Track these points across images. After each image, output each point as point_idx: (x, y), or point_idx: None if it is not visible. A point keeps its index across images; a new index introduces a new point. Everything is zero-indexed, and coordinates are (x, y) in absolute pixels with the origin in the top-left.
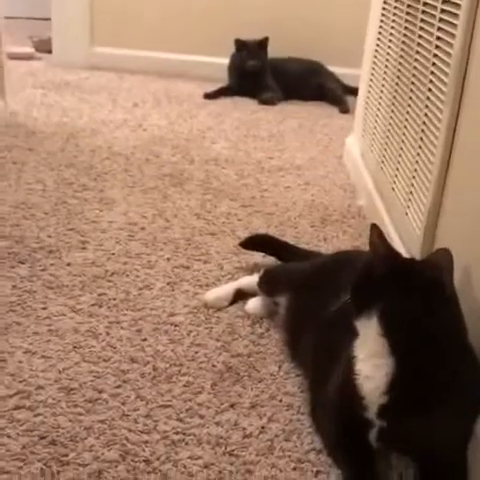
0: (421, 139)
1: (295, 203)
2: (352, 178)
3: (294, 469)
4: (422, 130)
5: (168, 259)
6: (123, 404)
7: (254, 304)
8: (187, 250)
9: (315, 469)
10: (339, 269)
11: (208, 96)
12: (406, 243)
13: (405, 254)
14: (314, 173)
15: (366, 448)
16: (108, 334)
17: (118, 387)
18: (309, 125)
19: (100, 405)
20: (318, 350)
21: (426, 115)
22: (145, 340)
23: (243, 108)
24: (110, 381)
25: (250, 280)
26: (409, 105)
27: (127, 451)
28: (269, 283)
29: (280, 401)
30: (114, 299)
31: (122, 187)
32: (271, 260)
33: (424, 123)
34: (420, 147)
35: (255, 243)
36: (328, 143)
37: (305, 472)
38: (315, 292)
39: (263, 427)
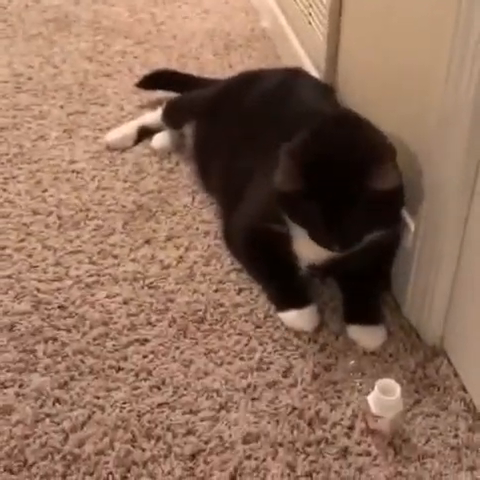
0: None
1: (195, 33)
2: (253, 0)
3: (216, 291)
4: None
5: (61, 107)
6: (29, 256)
7: (160, 139)
8: (81, 95)
9: (237, 287)
10: (244, 89)
11: None
12: (312, 55)
13: (311, 65)
14: (213, 0)
15: (285, 261)
16: (5, 190)
17: (22, 241)
18: None
19: (4, 261)
20: (230, 175)
21: None
22: (46, 191)
23: None
24: (12, 236)
25: (153, 115)
26: None
27: (39, 301)
28: (173, 114)
29: (197, 230)
30: (6, 154)
31: (1, 38)
32: (174, 96)
33: None
34: None
35: (155, 80)
36: None
37: (227, 292)
38: (222, 116)
39: (181, 257)
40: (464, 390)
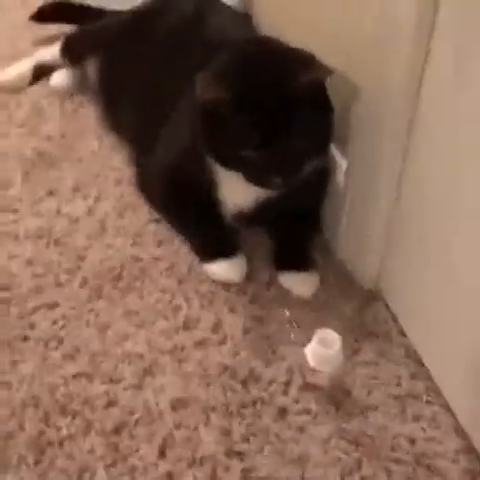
0: None
1: None
2: None
3: (132, 245)
4: None
5: None
6: None
7: (59, 78)
8: None
9: (156, 239)
10: (153, 19)
11: None
12: None
13: None
14: None
15: (209, 209)
16: None
17: None
18: None
19: None
20: (141, 114)
21: None
22: None
23: None
24: None
25: (50, 52)
26: None
27: None
28: (73, 49)
29: (106, 178)
30: None
31: None
32: (73, 29)
33: None
34: None
35: (50, 12)
36: None
37: (145, 245)
38: (129, 49)
39: (90, 209)
40: (404, 335)
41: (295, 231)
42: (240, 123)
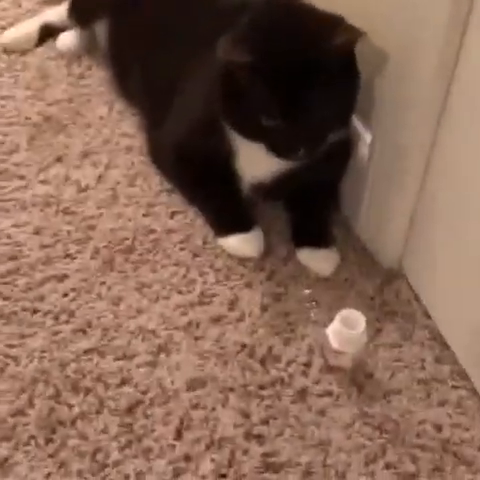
0: None
1: None
2: None
3: (145, 215)
4: None
5: None
6: None
7: (67, 39)
8: None
9: (169, 210)
10: None
11: None
12: None
13: None
14: None
15: (225, 181)
16: None
17: None
18: None
19: None
20: (153, 80)
21: None
22: None
23: None
24: None
25: (57, 12)
26: None
27: None
28: (81, 10)
29: (117, 144)
30: None
31: None
32: None
33: None
34: None
35: None
36: None
37: (158, 216)
38: (143, 9)
39: (100, 176)
40: (427, 316)
41: (314, 206)
42: (262, 90)
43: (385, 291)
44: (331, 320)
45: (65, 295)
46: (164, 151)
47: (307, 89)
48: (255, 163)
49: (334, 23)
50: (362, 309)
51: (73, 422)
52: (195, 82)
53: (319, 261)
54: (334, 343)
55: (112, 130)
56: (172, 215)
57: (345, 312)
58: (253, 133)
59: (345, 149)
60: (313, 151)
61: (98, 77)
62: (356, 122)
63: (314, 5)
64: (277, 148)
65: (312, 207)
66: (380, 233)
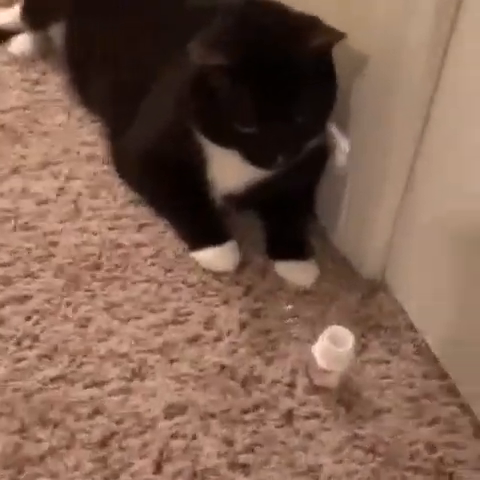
0: None
1: None
2: None
3: (111, 229)
4: None
5: None
6: None
7: (20, 43)
8: None
9: (137, 223)
10: None
11: None
12: None
13: None
14: None
15: (196, 192)
16: None
17: None
18: None
19: None
20: (117, 85)
21: None
22: None
23: None
24: None
25: (9, 13)
26: None
27: None
28: (36, 11)
29: (77, 154)
30: None
31: None
32: None
33: None
34: None
35: None
36: None
37: (125, 229)
38: (102, 10)
39: (61, 188)
40: (412, 329)
41: (290, 214)
42: (238, 94)
43: (368, 304)
44: (314, 336)
45: (28, 318)
46: (129, 159)
47: (285, 93)
48: (228, 171)
49: (310, 23)
50: (346, 324)
51: (42, 459)
52: (163, 86)
53: (298, 273)
54: (321, 362)
55: (72, 139)
56: (140, 228)
57: (332, 329)
58: (227, 140)
59: (321, 154)
60: (292, 159)
61: (54, 83)
62: (334, 130)
63: (288, 6)
64: (253, 156)
65: (288, 215)
66: (360, 244)
